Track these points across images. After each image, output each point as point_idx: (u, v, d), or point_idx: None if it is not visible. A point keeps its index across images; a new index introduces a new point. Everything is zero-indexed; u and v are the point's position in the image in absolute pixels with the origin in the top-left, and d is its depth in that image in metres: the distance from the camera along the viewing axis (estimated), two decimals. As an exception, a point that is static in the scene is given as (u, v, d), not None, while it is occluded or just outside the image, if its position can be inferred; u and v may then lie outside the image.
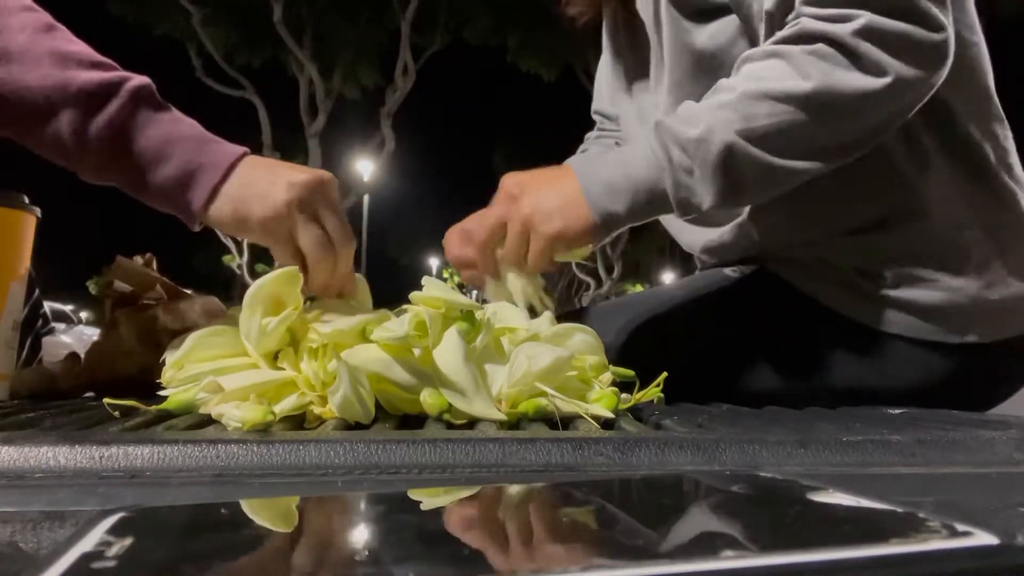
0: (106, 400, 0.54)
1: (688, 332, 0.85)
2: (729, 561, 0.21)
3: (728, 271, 0.87)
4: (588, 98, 1.12)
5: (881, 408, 0.68)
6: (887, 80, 0.66)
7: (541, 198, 0.71)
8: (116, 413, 0.53)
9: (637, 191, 0.70)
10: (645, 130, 0.72)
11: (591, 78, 1.15)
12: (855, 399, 0.74)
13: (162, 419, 0.53)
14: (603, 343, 0.63)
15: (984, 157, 0.79)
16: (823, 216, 0.80)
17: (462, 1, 12.24)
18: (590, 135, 1.11)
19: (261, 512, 0.31)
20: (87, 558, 0.22)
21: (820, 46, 0.67)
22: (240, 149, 0.68)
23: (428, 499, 0.35)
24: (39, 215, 0.71)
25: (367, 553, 0.25)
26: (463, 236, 0.77)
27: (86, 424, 0.51)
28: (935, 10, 0.67)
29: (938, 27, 0.67)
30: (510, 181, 0.73)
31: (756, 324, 0.83)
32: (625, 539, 0.25)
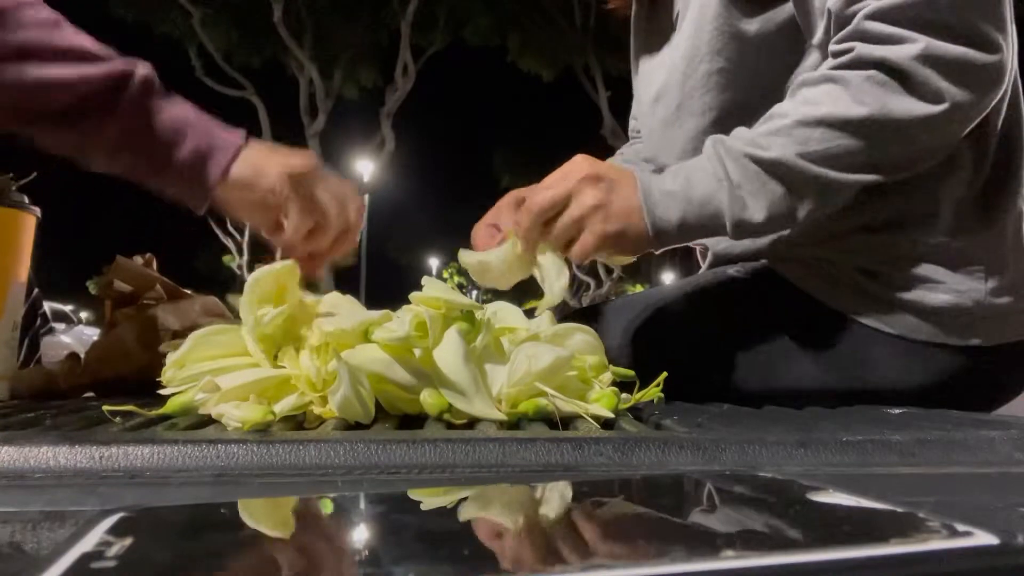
0: (105, 407, 0.54)
1: (689, 332, 0.85)
2: (729, 561, 0.21)
3: (732, 271, 0.87)
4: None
5: (881, 408, 0.68)
6: (943, 107, 0.66)
7: (613, 197, 0.70)
8: (117, 419, 0.53)
9: (691, 203, 0.70)
10: (678, 135, 0.73)
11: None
12: (857, 399, 0.74)
13: (162, 419, 0.53)
14: (603, 343, 0.63)
15: (1007, 161, 0.78)
16: (834, 215, 0.80)
17: (462, 1, 12.25)
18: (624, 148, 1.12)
19: (261, 512, 0.31)
20: (87, 558, 0.22)
21: (875, 73, 0.67)
22: (241, 131, 0.77)
23: (428, 499, 0.34)
24: (39, 215, 0.71)
25: (367, 553, 0.25)
26: (517, 198, 0.77)
27: (86, 424, 0.51)
28: (993, 32, 0.67)
29: (995, 48, 0.67)
30: (587, 165, 0.72)
31: (758, 324, 0.83)
32: (625, 539, 0.25)
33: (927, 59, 0.66)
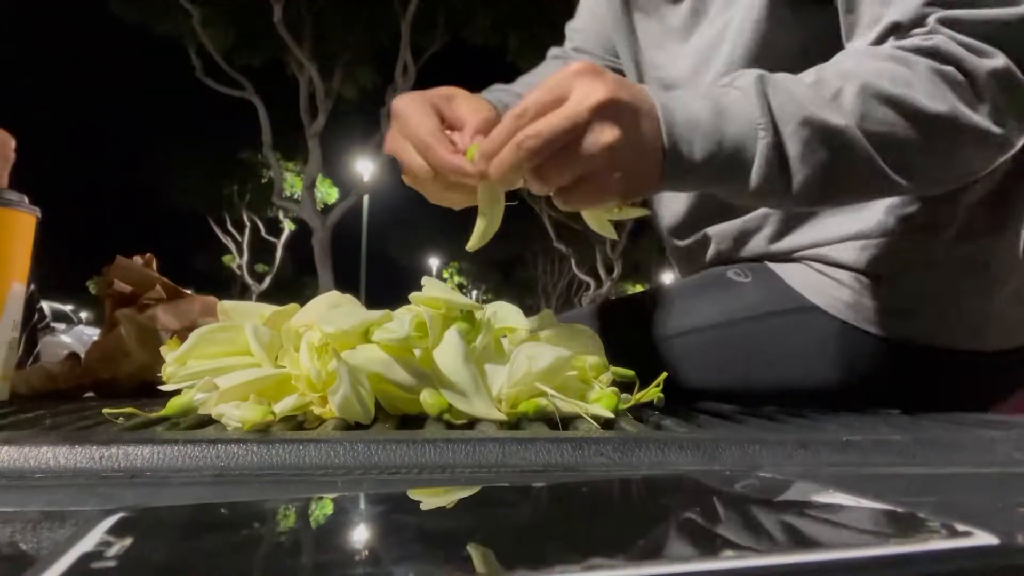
0: (106, 410, 0.54)
1: (689, 332, 0.85)
2: (729, 561, 0.21)
3: (731, 274, 0.86)
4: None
5: (881, 408, 0.68)
6: (1000, 131, 0.61)
7: (632, 136, 0.54)
8: (120, 420, 0.53)
9: (721, 144, 0.57)
10: (740, 80, 0.60)
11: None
12: (857, 403, 0.74)
13: (162, 419, 0.53)
14: (603, 343, 0.63)
15: (1017, 167, 0.76)
16: (841, 219, 0.79)
17: (462, 1, 12.25)
18: (555, 51, 1.05)
19: (261, 512, 0.31)
20: (87, 558, 0.22)
21: (952, 70, 0.60)
22: None
23: (428, 499, 0.34)
24: (39, 215, 0.71)
25: (367, 553, 0.25)
26: (487, 111, 0.63)
27: (86, 424, 0.51)
28: None
29: None
30: (601, 84, 0.54)
31: (759, 325, 0.83)
32: (625, 539, 0.25)
33: (1003, 79, 0.60)
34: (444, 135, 0.61)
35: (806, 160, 0.58)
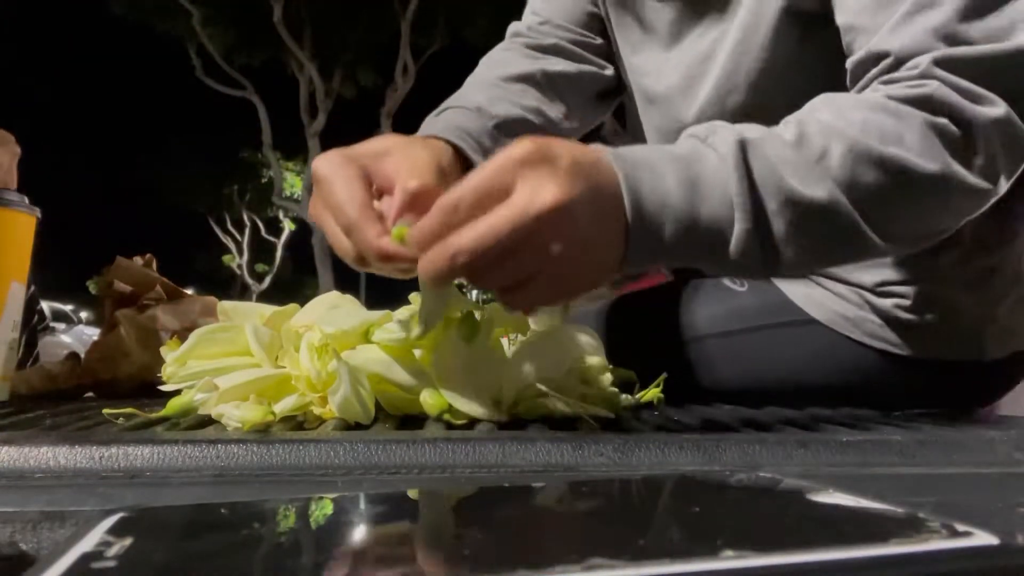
0: (106, 410, 0.54)
1: (689, 332, 0.85)
2: (729, 561, 0.21)
3: (727, 281, 0.86)
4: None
5: (881, 409, 0.68)
6: (988, 187, 0.56)
7: (582, 244, 0.47)
8: (120, 420, 0.53)
9: (697, 226, 0.50)
10: (715, 139, 0.53)
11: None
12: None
13: (162, 419, 0.53)
14: (603, 343, 0.63)
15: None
16: None
17: (462, 1, 12.24)
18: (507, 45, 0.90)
19: (261, 512, 0.31)
20: (87, 558, 0.22)
21: (945, 123, 0.54)
22: None
23: (428, 499, 0.34)
24: (39, 215, 0.71)
25: (367, 553, 0.25)
26: (445, 210, 0.46)
27: (86, 424, 0.51)
28: None
29: None
30: (551, 180, 0.45)
31: (754, 337, 0.82)
32: (625, 539, 0.25)
33: (1002, 130, 0.55)
34: (372, 210, 0.52)
35: (789, 241, 0.52)
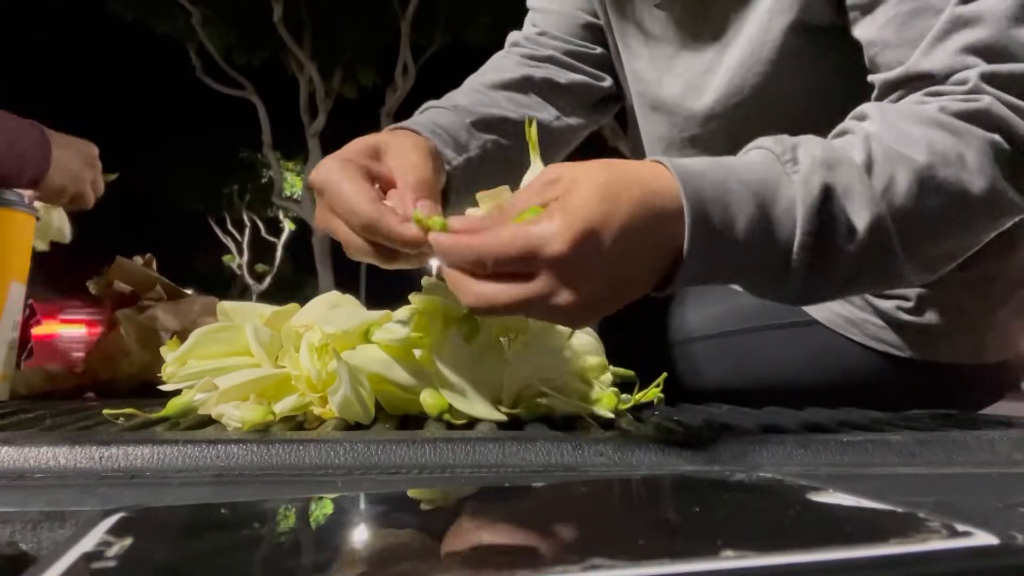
0: (106, 410, 0.54)
1: (689, 332, 0.85)
2: (729, 561, 0.21)
3: None
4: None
5: (880, 410, 0.68)
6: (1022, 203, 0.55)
7: (610, 284, 0.45)
8: (120, 420, 0.53)
9: (764, 266, 0.49)
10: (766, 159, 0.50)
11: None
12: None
13: (162, 419, 0.53)
14: (603, 343, 0.63)
15: None
16: None
17: (462, 1, 12.24)
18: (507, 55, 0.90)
19: (261, 512, 0.31)
20: (87, 558, 0.22)
21: (999, 140, 0.53)
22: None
23: (428, 499, 0.35)
24: (39, 215, 0.71)
25: (367, 553, 0.25)
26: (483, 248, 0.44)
27: (86, 424, 0.51)
28: None
29: None
30: (601, 220, 0.43)
31: (754, 337, 0.82)
32: (625, 539, 0.25)
33: None
34: (385, 204, 0.52)
35: (835, 276, 0.51)
